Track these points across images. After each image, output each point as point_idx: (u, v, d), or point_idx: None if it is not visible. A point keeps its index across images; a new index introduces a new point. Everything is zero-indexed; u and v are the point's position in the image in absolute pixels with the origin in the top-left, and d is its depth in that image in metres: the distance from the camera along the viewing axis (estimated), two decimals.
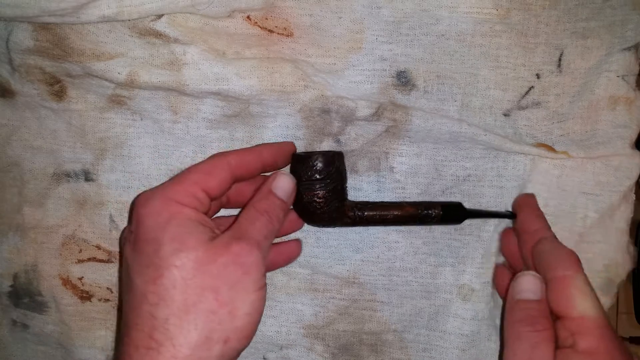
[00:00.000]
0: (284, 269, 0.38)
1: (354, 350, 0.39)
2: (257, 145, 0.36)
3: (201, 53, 0.33)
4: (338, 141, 0.36)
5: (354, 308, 0.38)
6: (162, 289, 0.28)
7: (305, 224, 0.37)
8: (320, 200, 0.34)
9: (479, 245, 0.37)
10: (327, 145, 0.36)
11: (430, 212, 0.35)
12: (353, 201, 0.36)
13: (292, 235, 0.38)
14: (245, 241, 0.29)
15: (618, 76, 0.36)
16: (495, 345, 0.38)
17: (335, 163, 0.34)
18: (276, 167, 0.35)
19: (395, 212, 0.35)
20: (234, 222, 0.31)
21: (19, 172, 0.38)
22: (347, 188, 0.36)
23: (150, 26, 0.33)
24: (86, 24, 0.33)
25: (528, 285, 0.31)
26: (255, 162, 0.33)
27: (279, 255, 0.37)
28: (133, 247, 0.30)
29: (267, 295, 0.38)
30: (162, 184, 0.32)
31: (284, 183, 0.33)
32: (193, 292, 0.28)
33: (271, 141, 0.36)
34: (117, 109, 0.36)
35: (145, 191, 0.32)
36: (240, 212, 0.32)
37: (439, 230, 0.37)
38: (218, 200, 0.34)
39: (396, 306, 0.38)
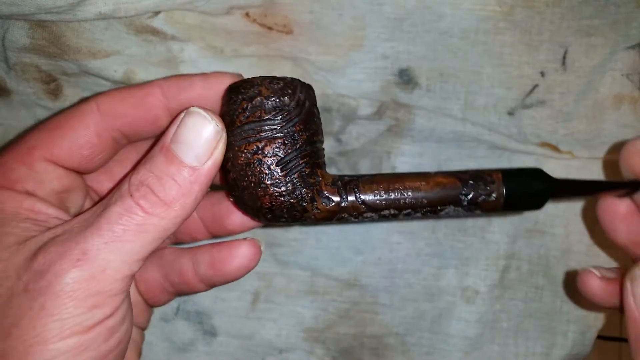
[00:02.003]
0: (284, 270, 0.38)
1: (355, 353, 0.38)
2: (159, 79, 0.24)
3: (199, 50, 0.33)
4: (339, 140, 0.36)
5: (355, 311, 0.38)
6: None
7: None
8: (271, 160, 0.20)
9: (483, 247, 0.37)
10: (327, 144, 0.36)
11: (481, 189, 0.21)
12: (336, 174, 0.23)
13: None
14: (64, 251, 0.18)
15: (623, 75, 0.36)
16: (499, 348, 0.38)
17: (296, 93, 0.22)
18: None
19: (414, 194, 0.22)
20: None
21: None
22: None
23: (147, 23, 0.32)
24: (82, 22, 0.32)
25: None
26: (146, 98, 0.22)
27: (218, 265, 0.26)
28: None
29: (267, 298, 0.38)
30: (6, 149, 0.23)
31: (195, 129, 0.20)
32: None
33: None
34: None
35: None
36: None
37: (442, 231, 0.37)
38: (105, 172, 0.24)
39: (398, 309, 0.38)
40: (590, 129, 0.36)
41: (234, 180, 0.21)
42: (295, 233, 0.37)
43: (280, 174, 0.20)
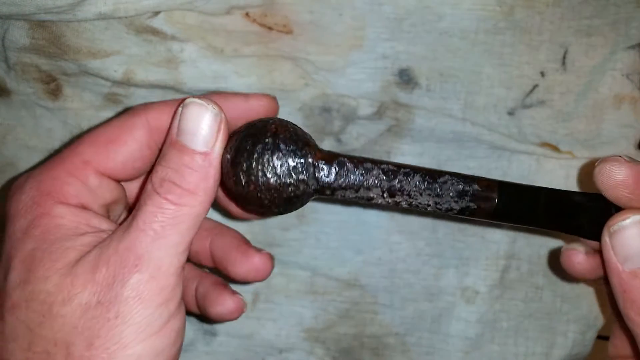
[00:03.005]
0: (284, 270, 0.38)
1: (355, 353, 0.38)
2: (205, 94, 0.26)
3: (199, 50, 0.33)
4: (339, 140, 0.36)
5: (355, 311, 0.38)
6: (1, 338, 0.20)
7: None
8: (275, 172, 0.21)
9: (483, 247, 0.37)
10: (328, 144, 0.36)
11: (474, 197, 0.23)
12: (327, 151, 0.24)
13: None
14: (121, 259, 0.20)
15: (623, 75, 0.36)
16: (499, 348, 0.38)
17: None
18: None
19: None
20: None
21: (14, 172, 0.38)
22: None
23: (147, 23, 0.32)
24: (82, 22, 0.32)
25: None
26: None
27: (207, 302, 0.27)
28: None
29: (266, 298, 0.38)
30: (47, 162, 0.23)
31: (196, 118, 0.21)
32: (38, 348, 0.20)
33: None
34: (113, 107, 0.36)
35: (23, 173, 0.24)
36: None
37: (442, 231, 0.37)
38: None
39: (398, 309, 0.38)
40: (590, 129, 0.36)
41: (232, 182, 0.22)
42: (295, 233, 0.37)
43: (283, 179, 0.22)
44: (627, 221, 0.21)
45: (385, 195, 0.23)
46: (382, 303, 0.38)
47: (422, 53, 0.34)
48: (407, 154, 0.36)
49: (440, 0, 0.33)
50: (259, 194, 0.22)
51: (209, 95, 0.25)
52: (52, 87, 0.36)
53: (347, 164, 0.23)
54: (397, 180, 0.23)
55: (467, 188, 0.23)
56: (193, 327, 0.39)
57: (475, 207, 0.23)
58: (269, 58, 0.34)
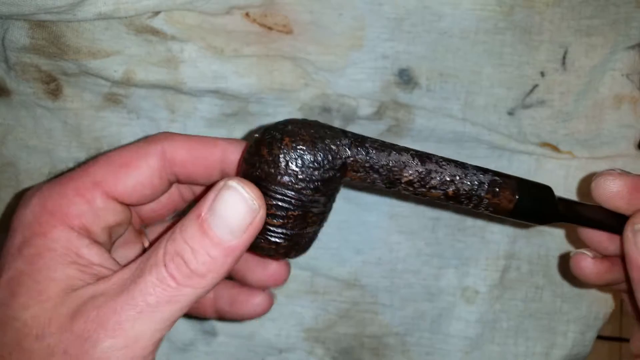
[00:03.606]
0: None
1: (355, 353, 0.38)
2: (223, 138, 0.25)
3: (199, 50, 0.33)
4: None
5: (355, 311, 0.38)
6: None
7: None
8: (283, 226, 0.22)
9: (483, 247, 0.37)
10: None
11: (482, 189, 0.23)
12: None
13: None
14: (102, 319, 0.19)
15: (623, 75, 0.36)
16: (499, 348, 0.38)
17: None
18: None
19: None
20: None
21: (14, 172, 0.38)
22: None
23: (147, 23, 0.32)
24: (82, 22, 0.32)
25: None
26: (207, 154, 0.23)
27: (236, 305, 0.28)
28: None
29: None
30: (58, 178, 0.23)
31: (232, 205, 0.20)
32: None
33: None
34: (113, 107, 0.36)
35: (38, 184, 0.23)
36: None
37: (442, 231, 0.37)
38: (159, 206, 0.25)
39: (398, 309, 0.38)
40: (590, 129, 0.36)
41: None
42: None
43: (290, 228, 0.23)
44: None
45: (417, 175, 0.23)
46: (382, 303, 0.38)
47: (422, 53, 0.34)
48: None
49: (440, 0, 0.33)
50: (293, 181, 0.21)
51: (229, 141, 0.24)
52: (52, 87, 0.36)
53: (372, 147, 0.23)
54: (431, 162, 0.24)
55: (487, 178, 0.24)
56: (193, 327, 0.39)
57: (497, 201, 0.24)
58: (269, 58, 0.34)
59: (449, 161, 0.24)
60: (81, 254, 0.21)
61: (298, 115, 0.35)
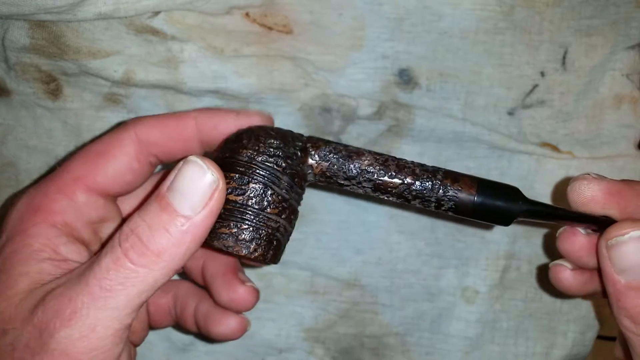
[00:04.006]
0: (284, 270, 0.38)
1: (355, 353, 0.38)
2: (194, 110, 0.25)
3: (199, 50, 0.33)
4: (339, 140, 0.36)
5: (355, 311, 0.38)
6: None
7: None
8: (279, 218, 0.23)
9: (483, 247, 0.37)
10: None
11: (444, 194, 0.23)
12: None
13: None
14: (58, 309, 0.19)
15: (623, 75, 0.36)
16: (499, 348, 0.38)
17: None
18: None
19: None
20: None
21: (14, 172, 0.38)
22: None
23: (147, 23, 0.32)
24: (82, 22, 0.32)
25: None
26: (180, 129, 0.23)
27: (208, 321, 0.27)
28: None
29: (266, 298, 0.38)
30: (44, 178, 0.23)
31: (192, 178, 0.19)
32: None
33: None
34: (113, 107, 0.36)
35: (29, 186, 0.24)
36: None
37: (442, 231, 0.37)
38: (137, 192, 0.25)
39: (398, 309, 0.38)
40: (590, 129, 0.36)
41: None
42: (295, 233, 0.37)
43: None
44: (625, 237, 0.22)
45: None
46: (382, 303, 0.38)
47: (422, 53, 0.34)
48: (407, 154, 0.36)
49: (440, 0, 0.33)
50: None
51: (201, 110, 0.24)
52: (52, 87, 0.36)
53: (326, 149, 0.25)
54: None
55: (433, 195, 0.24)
56: None
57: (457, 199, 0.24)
58: (269, 58, 0.34)
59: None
60: (58, 251, 0.21)
61: (298, 115, 0.35)
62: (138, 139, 0.23)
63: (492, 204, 0.23)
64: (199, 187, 0.19)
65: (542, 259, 0.37)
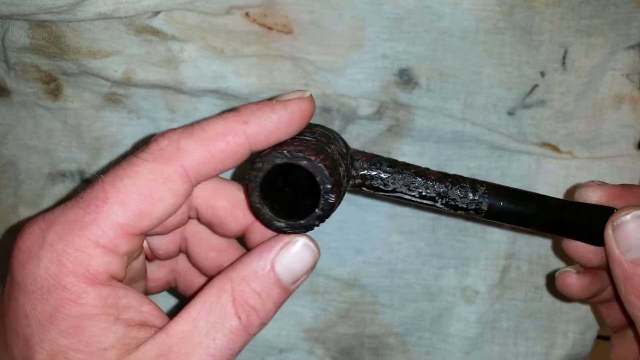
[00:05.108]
0: None
1: (355, 353, 0.38)
2: (237, 116, 0.22)
3: (199, 50, 0.33)
4: None
5: (355, 311, 0.38)
6: None
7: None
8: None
9: (483, 247, 0.37)
10: None
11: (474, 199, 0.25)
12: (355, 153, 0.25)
13: None
14: None
15: (623, 75, 0.35)
16: (499, 348, 0.38)
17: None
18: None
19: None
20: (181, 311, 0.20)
21: (14, 172, 0.38)
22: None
23: (147, 23, 0.32)
24: (82, 22, 0.32)
25: None
26: (236, 155, 0.20)
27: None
28: (3, 320, 0.20)
29: None
30: (63, 212, 0.19)
31: (301, 259, 0.21)
32: None
33: None
34: (113, 107, 0.36)
35: (32, 223, 0.20)
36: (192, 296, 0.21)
37: (442, 231, 0.37)
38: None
39: (398, 309, 0.38)
40: (590, 129, 0.36)
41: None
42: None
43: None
44: (628, 216, 0.24)
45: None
46: (382, 303, 0.38)
47: (422, 53, 0.34)
48: (407, 154, 0.36)
49: (440, 0, 0.33)
50: None
51: (249, 122, 0.21)
52: (52, 87, 0.36)
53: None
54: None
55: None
56: None
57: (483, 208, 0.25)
58: (269, 58, 0.34)
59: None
60: (119, 307, 0.19)
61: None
62: (187, 175, 0.20)
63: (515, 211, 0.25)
64: (306, 268, 0.22)
65: (542, 259, 0.37)
